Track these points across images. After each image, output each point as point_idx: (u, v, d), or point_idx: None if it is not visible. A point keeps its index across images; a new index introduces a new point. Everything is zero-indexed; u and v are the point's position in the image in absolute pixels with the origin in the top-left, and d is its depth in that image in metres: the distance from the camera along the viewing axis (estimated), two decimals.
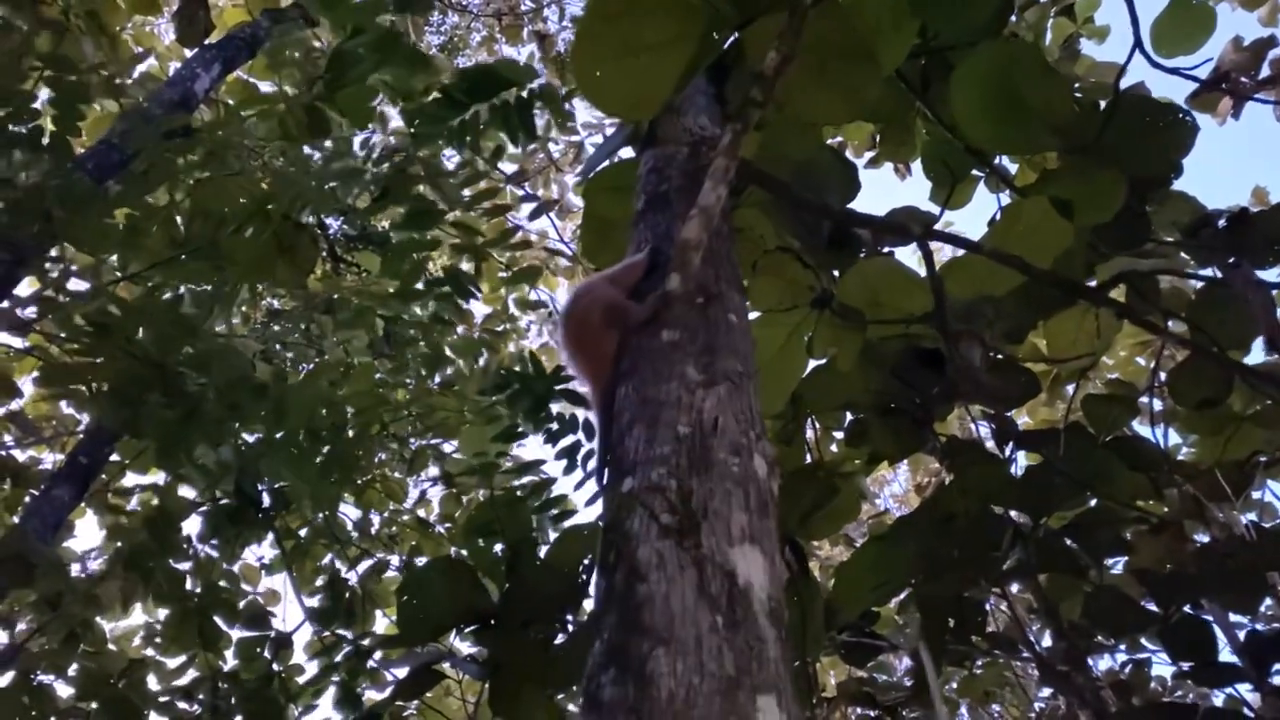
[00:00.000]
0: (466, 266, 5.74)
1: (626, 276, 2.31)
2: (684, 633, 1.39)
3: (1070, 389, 5.77)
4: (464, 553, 3.98)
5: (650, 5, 2.48)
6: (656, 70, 2.52)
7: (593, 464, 2.33)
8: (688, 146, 2.71)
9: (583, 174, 4.25)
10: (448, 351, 5.10)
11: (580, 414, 4.24)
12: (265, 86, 5.78)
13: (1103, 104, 3.38)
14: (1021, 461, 4.31)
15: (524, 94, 4.00)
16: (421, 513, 6.41)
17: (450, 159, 5.60)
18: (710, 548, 1.53)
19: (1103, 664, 6.17)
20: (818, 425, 4.64)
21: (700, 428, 1.76)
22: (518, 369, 4.29)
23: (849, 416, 4.34)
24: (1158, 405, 4.80)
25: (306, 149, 4.66)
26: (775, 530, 1.69)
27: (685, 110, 2.88)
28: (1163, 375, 4.50)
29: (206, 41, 5.96)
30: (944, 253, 5.94)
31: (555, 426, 4.20)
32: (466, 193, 4.65)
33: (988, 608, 4.43)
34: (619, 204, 3.05)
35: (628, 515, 1.62)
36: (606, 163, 3.42)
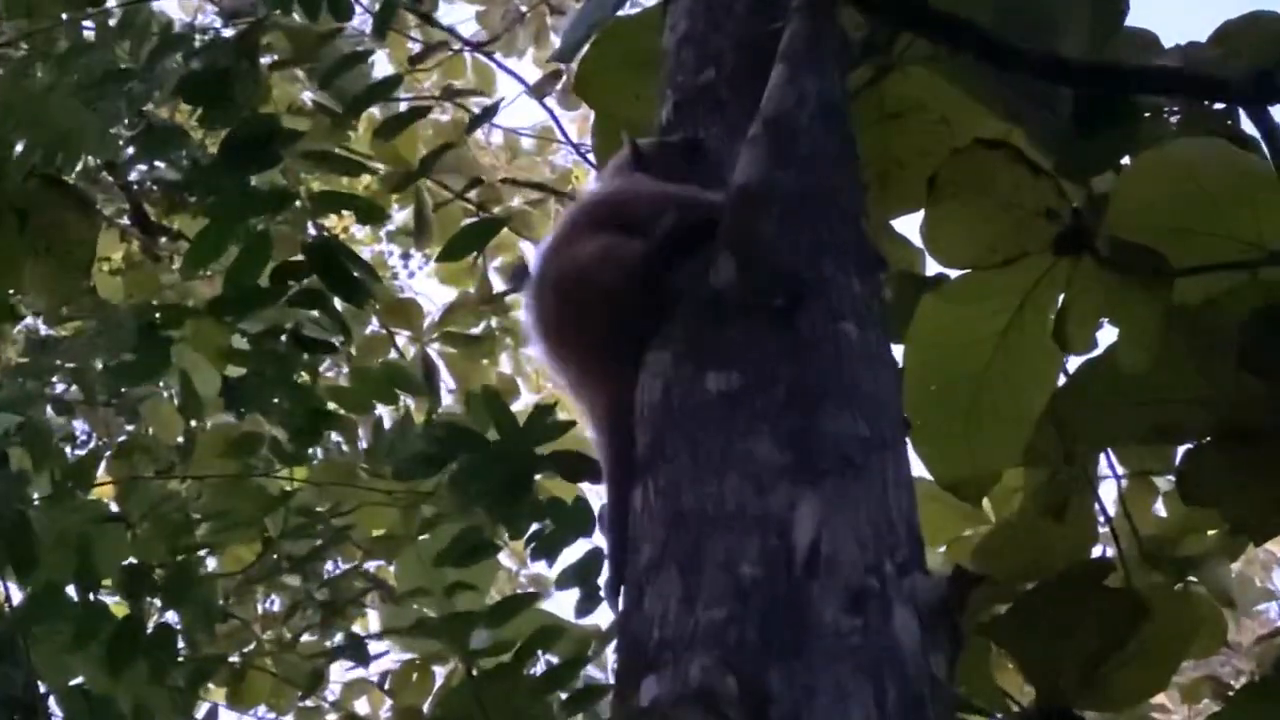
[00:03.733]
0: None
1: (633, 205, 1.42)
2: None
3: None
4: None
5: None
6: None
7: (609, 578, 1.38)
8: None
9: (560, 54, 3.10)
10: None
11: (597, 495, 2.09)
12: None
13: None
14: None
15: None
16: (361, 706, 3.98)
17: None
18: None
19: None
20: (1122, 471, 2.69)
21: (785, 565, 1.00)
22: (457, 423, 2.39)
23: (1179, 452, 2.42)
24: None
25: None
26: None
27: None
28: None
29: None
30: None
31: (548, 525, 2.17)
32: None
33: None
34: (639, 85, 1.96)
35: None
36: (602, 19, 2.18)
